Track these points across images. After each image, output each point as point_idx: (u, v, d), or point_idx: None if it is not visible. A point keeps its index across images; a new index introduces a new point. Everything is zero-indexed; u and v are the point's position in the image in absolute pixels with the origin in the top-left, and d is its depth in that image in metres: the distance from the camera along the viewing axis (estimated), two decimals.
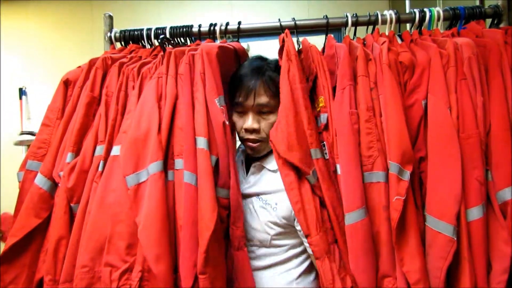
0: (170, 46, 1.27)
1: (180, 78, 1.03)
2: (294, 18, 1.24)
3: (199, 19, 2.96)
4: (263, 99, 1.06)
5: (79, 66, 1.19)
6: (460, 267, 0.86)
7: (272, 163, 1.09)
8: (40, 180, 1.03)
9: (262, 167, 1.13)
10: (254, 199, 1.09)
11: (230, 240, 0.99)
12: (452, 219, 0.85)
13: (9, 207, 2.99)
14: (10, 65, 3.09)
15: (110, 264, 0.92)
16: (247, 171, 1.18)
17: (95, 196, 0.98)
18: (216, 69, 1.03)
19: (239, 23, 1.28)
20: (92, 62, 1.16)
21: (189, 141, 0.96)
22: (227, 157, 0.99)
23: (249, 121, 1.07)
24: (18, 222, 1.01)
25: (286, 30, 1.11)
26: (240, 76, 1.10)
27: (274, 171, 1.08)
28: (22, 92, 3.00)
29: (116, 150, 1.00)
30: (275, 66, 1.11)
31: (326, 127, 1.00)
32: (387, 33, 1.19)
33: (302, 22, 1.24)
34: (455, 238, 0.84)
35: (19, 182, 1.09)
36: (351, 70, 1.01)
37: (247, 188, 1.12)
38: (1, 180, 3.06)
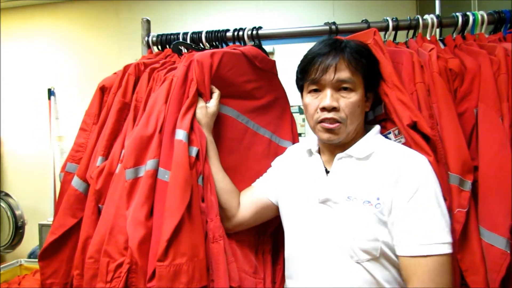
0: (194, 50, 1.29)
1: (178, 81, 1.07)
2: (335, 22, 1.22)
3: (223, 20, 3.00)
4: (345, 74, 0.91)
5: (115, 73, 1.21)
6: None
7: (359, 149, 0.94)
8: (76, 182, 1.07)
9: (349, 157, 0.94)
10: (345, 201, 0.89)
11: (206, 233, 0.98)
12: (505, 231, 0.82)
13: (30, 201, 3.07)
14: (40, 66, 3.16)
15: (108, 255, 0.93)
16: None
17: (108, 194, 1.01)
18: (207, 75, 1.07)
19: (259, 28, 1.29)
20: (126, 69, 1.18)
21: (167, 139, 1.00)
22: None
23: (327, 99, 0.91)
24: (56, 221, 1.06)
25: (375, 29, 1.09)
26: (312, 53, 0.96)
27: (364, 159, 0.92)
28: (50, 93, 3.07)
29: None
30: (356, 48, 0.96)
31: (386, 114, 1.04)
32: (428, 38, 1.16)
33: (343, 26, 1.22)
34: (508, 251, 0.82)
35: (60, 182, 1.13)
36: (412, 77, 1.00)
37: (330, 190, 0.92)
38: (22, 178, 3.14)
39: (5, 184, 3.20)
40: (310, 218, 0.94)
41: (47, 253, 1.05)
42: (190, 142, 0.98)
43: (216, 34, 1.30)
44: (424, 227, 0.79)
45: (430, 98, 0.97)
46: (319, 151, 1.03)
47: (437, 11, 2.09)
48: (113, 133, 1.08)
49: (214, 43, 1.33)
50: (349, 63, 0.91)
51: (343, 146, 0.96)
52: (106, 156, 1.06)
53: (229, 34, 1.30)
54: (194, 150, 0.98)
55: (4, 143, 3.22)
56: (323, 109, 0.92)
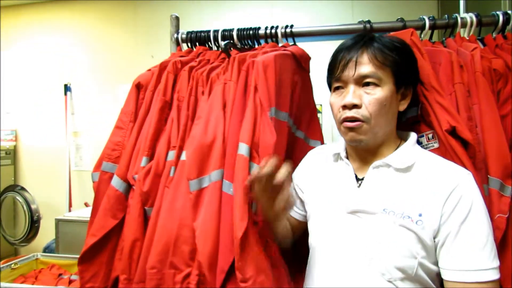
0: (236, 49, 1.27)
1: (236, 85, 1.04)
2: (369, 21, 1.20)
3: (237, 18, 2.98)
4: (367, 68, 0.84)
5: (149, 69, 1.19)
6: None
7: (399, 159, 0.85)
8: (117, 182, 1.05)
9: (387, 166, 0.86)
10: (381, 214, 0.82)
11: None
12: None
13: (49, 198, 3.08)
14: (56, 61, 3.16)
15: (174, 266, 0.94)
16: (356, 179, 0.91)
17: (166, 200, 1.00)
18: (271, 80, 1.01)
19: (292, 26, 1.27)
20: (162, 66, 1.16)
21: (230, 150, 0.97)
22: None
23: (349, 95, 0.84)
24: (96, 222, 1.04)
25: (413, 29, 1.07)
26: (337, 49, 0.91)
27: (404, 170, 0.84)
28: (67, 88, 3.07)
29: (184, 156, 1.01)
30: (387, 42, 0.88)
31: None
32: (467, 37, 1.14)
33: (378, 25, 1.20)
34: None
35: (94, 182, 1.11)
36: (450, 77, 0.98)
37: (364, 200, 0.85)
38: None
39: (21, 178, 3.22)
40: (338, 230, 0.87)
41: (87, 256, 1.03)
42: (251, 158, 0.95)
43: (248, 31, 1.28)
44: (475, 252, 0.75)
45: (470, 99, 0.95)
46: (347, 157, 0.95)
47: (461, 11, 2.06)
48: (156, 132, 1.07)
49: (245, 41, 1.31)
50: (374, 57, 0.84)
51: (374, 152, 0.89)
52: (150, 156, 1.05)
53: (261, 31, 1.28)
54: (254, 167, 0.94)
55: (20, 138, 3.23)
56: (344, 107, 0.86)
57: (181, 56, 1.24)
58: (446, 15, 1.18)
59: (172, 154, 1.03)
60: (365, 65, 0.84)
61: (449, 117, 0.90)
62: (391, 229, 0.80)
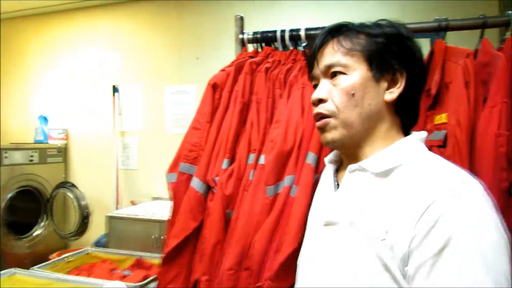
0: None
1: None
2: (446, 18, 1.16)
3: (286, 18, 2.96)
4: (331, 57, 0.73)
5: (223, 69, 1.20)
6: None
7: (376, 162, 0.70)
8: (197, 184, 1.06)
9: (363, 171, 0.71)
10: (348, 227, 0.68)
11: None
12: None
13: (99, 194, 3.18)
14: (105, 64, 3.26)
15: (249, 269, 0.95)
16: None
17: (245, 204, 1.01)
18: None
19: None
20: (238, 66, 1.17)
21: (302, 157, 0.98)
22: None
23: (316, 90, 0.75)
24: (178, 224, 1.05)
25: (469, 51, 1.01)
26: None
27: (381, 175, 0.68)
28: (115, 89, 3.16)
29: (262, 160, 1.02)
30: (359, 24, 0.76)
31: (445, 144, 0.94)
32: None
33: (455, 23, 1.16)
34: None
35: (170, 183, 1.13)
36: (507, 86, 0.92)
37: (334, 211, 0.73)
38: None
39: (71, 175, 3.34)
40: (313, 245, 0.77)
41: (168, 258, 1.05)
42: (317, 168, 0.95)
43: (317, 31, 1.27)
44: None
45: None
46: (338, 162, 0.83)
47: None
48: (236, 134, 1.08)
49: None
50: (340, 44, 0.73)
51: (356, 154, 0.74)
52: (231, 159, 1.06)
53: None
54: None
55: (71, 137, 3.36)
56: (313, 104, 0.76)
57: (251, 57, 1.24)
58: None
59: (252, 157, 1.04)
60: (330, 55, 0.74)
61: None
62: (354, 246, 0.65)
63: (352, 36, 0.73)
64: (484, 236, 0.55)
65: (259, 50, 1.33)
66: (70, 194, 3.03)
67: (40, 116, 3.33)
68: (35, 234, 3.07)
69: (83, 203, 3.00)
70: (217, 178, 1.04)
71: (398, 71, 0.73)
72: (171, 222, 1.07)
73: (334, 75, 0.73)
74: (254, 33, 1.36)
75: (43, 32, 3.46)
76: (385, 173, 0.68)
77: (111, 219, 2.75)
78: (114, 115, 3.14)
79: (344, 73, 0.72)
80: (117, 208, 3.04)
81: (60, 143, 3.27)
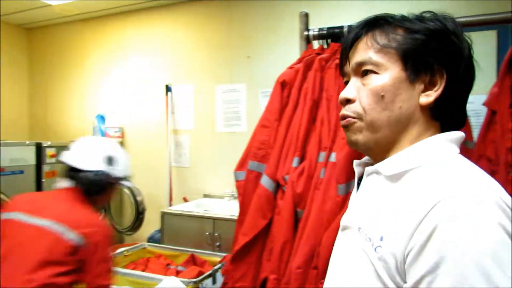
0: None
1: None
2: None
3: (337, 14, 2.89)
4: (363, 54, 0.67)
5: (291, 67, 1.18)
6: None
7: (389, 164, 0.65)
8: (266, 182, 1.06)
9: (378, 173, 0.68)
10: (356, 233, 0.65)
11: None
12: None
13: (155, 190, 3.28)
14: (158, 64, 3.36)
15: (317, 267, 0.94)
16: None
17: (316, 202, 0.99)
18: None
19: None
20: (307, 63, 1.14)
21: None
22: None
23: (344, 89, 0.70)
24: (248, 221, 1.05)
25: None
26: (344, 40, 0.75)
27: (393, 179, 0.64)
28: (168, 89, 3.25)
29: (333, 157, 0.99)
30: (397, 18, 0.69)
31: None
32: None
33: None
34: None
35: (239, 180, 1.13)
36: None
37: (349, 215, 0.71)
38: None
39: None
40: (333, 252, 0.74)
41: (238, 255, 1.06)
42: None
43: None
44: None
45: None
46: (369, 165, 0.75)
47: None
48: (307, 132, 1.07)
49: None
50: (374, 40, 0.66)
51: (384, 158, 0.68)
52: (301, 157, 1.05)
53: None
54: None
55: (126, 135, 3.49)
56: (341, 104, 0.71)
57: (318, 54, 1.21)
58: None
59: (322, 155, 1.02)
60: (362, 51, 0.67)
61: None
62: (355, 253, 0.62)
63: (389, 30, 0.66)
64: (482, 250, 0.49)
65: (325, 46, 1.30)
66: (126, 190, 3.15)
67: (98, 115, 3.49)
68: None
69: (138, 198, 3.11)
70: (287, 176, 1.03)
71: (438, 71, 0.65)
72: (240, 220, 1.08)
73: (365, 73, 0.67)
74: (320, 29, 1.33)
75: (100, 35, 3.63)
76: (397, 177, 0.63)
77: (165, 215, 2.83)
78: (167, 113, 3.23)
79: (375, 72, 0.66)
80: (170, 205, 3.12)
81: (116, 140, 3.41)
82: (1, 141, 2.65)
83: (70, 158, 1.37)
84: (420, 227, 0.52)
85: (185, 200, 3.14)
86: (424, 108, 0.65)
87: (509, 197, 0.53)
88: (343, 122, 0.69)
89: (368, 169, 0.69)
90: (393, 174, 0.63)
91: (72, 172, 1.35)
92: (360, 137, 0.67)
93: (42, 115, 3.95)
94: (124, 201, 3.31)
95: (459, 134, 0.65)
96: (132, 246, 2.88)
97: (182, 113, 3.26)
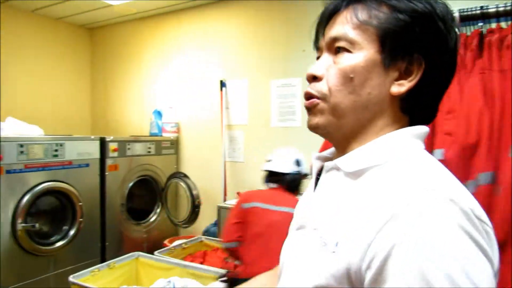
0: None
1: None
2: None
3: None
4: (339, 28, 0.60)
5: None
6: None
7: (349, 160, 0.60)
8: None
9: (337, 169, 0.62)
10: (312, 233, 0.61)
11: None
12: None
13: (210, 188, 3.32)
14: (212, 60, 3.39)
15: None
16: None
17: None
18: None
19: None
20: None
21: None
22: None
23: (314, 65, 0.64)
24: None
25: None
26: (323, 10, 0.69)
27: (352, 176, 0.59)
28: (222, 84, 3.27)
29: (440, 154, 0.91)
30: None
31: None
32: None
33: None
34: None
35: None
36: None
37: (305, 213, 0.67)
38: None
39: (182, 166, 3.56)
40: (284, 248, 0.71)
41: None
42: None
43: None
44: None
45: None
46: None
47: None
48: None
49: None
50: (354, 14, 0.60)
51: (345, 148, 0.63)
52: None
53: None
54: None
55: (182, 130, 3.57)
56: (307, 81, 0.64)
57: None
58: None
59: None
60: (340, 25, 0.60)
61: None
62: (310, 255, 0.58)
63: (373, 6, 0.59)
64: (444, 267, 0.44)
65: None
66: (182, 184, 3.23)
67: (155, 111, 3.60)
68: (151, 220, 3.34)
69: (194, 192, 3.17)
70: None
71: (416, 60, 0.58)
72: None
73: (338, 50, 0.60)
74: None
75: (156, 32, 3.73)
76: (357, 174, 0.58)
77: (221, 209, 2.86)
78: (221, 109, 3.25)
79: (349, 51, 0.59)
80: (224, 199, 3.15)
81: (172, 136, 3.50)
82: (69, 136, 2.81)
83: (272, 166, 1.97)
84: (375, 243, 0.48)
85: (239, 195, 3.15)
86: (394, 99, 0.60)
87: (471, 197, 0.51)
88: (306, 103, 0.64)
89: (328, 164, 0.63)
90: (353, 170, 0.58)
91: (275, 177, 1.94)
92: (321, 120, 0.62)
93: (102, 111, 4.15)
94: (181, 195, 3.40)
95: (424, 129, 0.61)
96: (190, 239, 2.95)
97: (237, 108, 3.27)
